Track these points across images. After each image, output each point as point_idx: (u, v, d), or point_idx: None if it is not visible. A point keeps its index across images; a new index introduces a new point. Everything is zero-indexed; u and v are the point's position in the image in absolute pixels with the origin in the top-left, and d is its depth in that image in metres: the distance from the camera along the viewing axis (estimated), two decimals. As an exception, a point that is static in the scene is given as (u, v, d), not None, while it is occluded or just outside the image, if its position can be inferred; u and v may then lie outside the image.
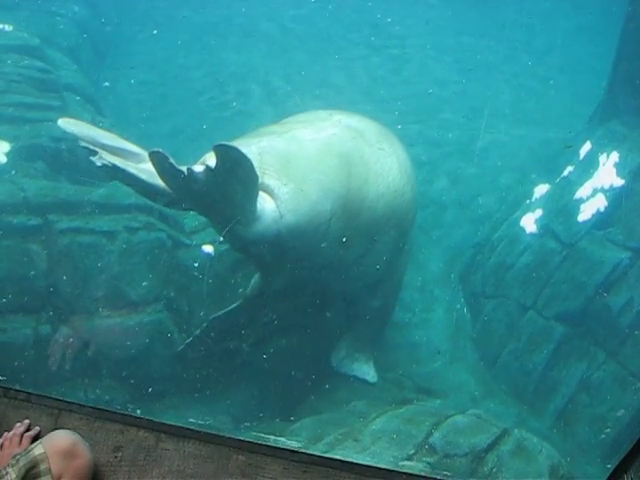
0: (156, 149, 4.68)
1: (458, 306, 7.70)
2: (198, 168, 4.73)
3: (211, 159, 4.73)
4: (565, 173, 7.68)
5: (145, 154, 5.07)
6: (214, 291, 6.62)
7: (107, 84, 11.17)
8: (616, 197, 6.97)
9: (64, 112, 8.42)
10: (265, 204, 4.97)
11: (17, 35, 9.18)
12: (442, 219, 8.42)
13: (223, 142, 4.53)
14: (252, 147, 5.07)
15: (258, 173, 4.76)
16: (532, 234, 7.39)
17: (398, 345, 7.26)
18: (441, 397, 6.48)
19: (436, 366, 7.05)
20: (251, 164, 4.61)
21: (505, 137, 9.46)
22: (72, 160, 7.95)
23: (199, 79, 11.31)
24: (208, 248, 6.78)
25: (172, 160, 4.64)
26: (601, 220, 6.96)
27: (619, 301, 6.44)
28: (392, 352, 7.12)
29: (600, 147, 7.45)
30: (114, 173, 5.01)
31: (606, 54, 8.20)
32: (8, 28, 9.25)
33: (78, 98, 9.23)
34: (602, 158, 7.32)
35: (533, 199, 7.77)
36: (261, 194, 4.97)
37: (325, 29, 12.10)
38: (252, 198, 4.86)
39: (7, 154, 7.41)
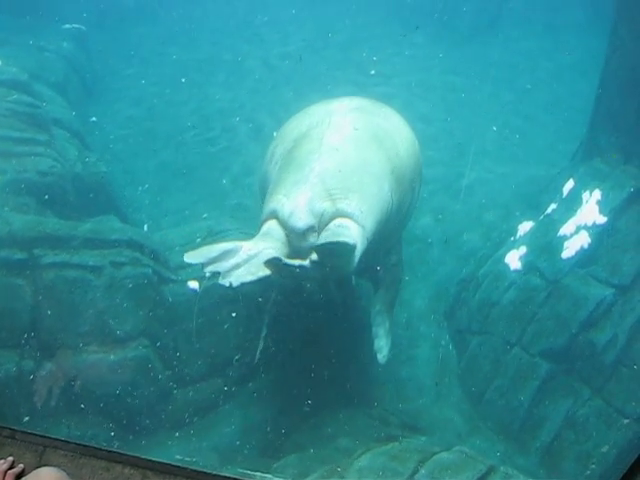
0: (271, 257, 5.11)
1: (443, 342, 7.70)
2: (308, 263, 5.18)
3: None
4: (549, 210, 7.76)
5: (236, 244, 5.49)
6: (200, 327, 6.60)
7: (94, 119, 11.23)
8: (599, 234, 7.04)
9: (51, 147, 8.45)
10: (352, 231, 5.28)
11: (6, 70, 9.21)
12: (427, 256, 8.46)
13: (325, 242, 5.09)
14: (313, 180, 5.47)
15: (329, 203, 5.34)
16: (517, 271, 7.43)
17: (384, 381, 7.23)
18: (427, 434, 6.44)
19: (422, 402, 7.03)
20: (353, 248, 5.14)
21: (490, 174, 9.57)
22: (58, 194, 7.97)
23: (186, 115, 11.39)
24: (194, 284, 6.77)
25: (285, 260, 5.14)
26: (585, 257, 7.02)
27: (603, 338, 6.48)
28: (378, 388, 7.10)
29: (583, 185, 7.54)
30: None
31: (588, 93, 8.36)
32: (-4, 63, 9.31)
33: (65, 133, 9.28)
34: (585, 195, 7.40)
35: (517, 236, 7.83)
36: (345, 222, 5.31)
37: (311, 67, 12.25)
38: (353, 261, 5.32)
39: (-7, 188, 7.40)
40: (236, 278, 5.22)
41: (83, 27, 13.29)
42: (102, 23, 14.10)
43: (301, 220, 5.32)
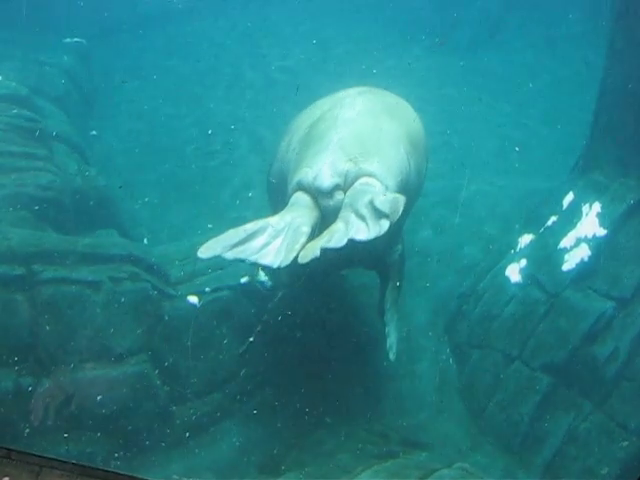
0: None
1: (444, 356, 7.67)
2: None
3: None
4: (549, 223, 7.76)
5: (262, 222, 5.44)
6: (198, 342, 6.57)
7: (94, 133, 11.24)
8: (599, 247, 7.04)
9: (51, 161, 8.45)
10: (377, 189, 5.43)
11: (6, 85, 9.23)
12: (427, 269, 8.43)
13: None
14: (333, 147, 5.66)
15: (351, 164, 5.50)
16: (517, 284, 7.42)
17: (384, 396, 7.20)
18: (427, 450, 6.41)
19: (422, 418, 7.00)
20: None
21: (489, 187, 9.55)
22: (58, 209, 7.96)
23: (186, 128, 11.40)
24: (193, 299, 6.76)
25: (322, 245, 5.07)
26: (585, 270, 7.01)
27: (604, 351, 6.47)
28: (378, 403, 7.06)
29: (582, 197, 7.54)
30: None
31: (587, 105, 8.36)
32: (-3, 78, 9.33)
33: (65, 147, 9.27)
34: (585, 208, 7.40)
35: (517, 249, 7.82)
36: (370, 181, 5.46)
37: (310, 80, 12.25)
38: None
39: (-8, 202, 7.39)
40: (278, 256, 5.14)
41: (84, 41, 13.32)
42: (103, 37, 14.11)
43: (326, 179, 5.46)
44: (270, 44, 14.13)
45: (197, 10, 14.93)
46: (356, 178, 5.47)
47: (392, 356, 6.37)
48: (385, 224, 5.13)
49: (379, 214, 5.17)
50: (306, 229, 5.29)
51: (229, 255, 5.25)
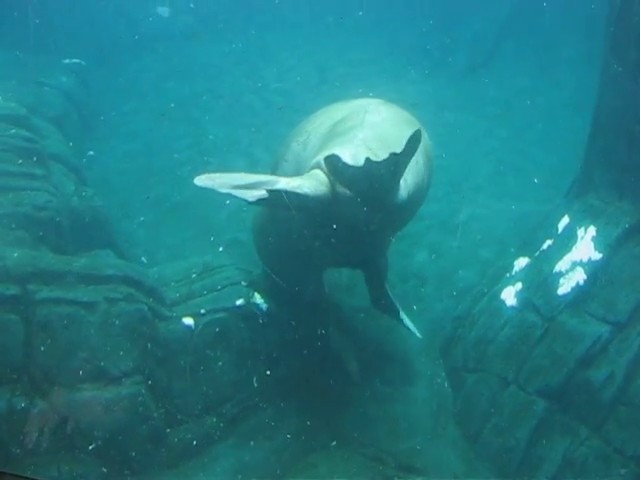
0: (330, 154, 5.34)
1: (439, 380, 7.64)
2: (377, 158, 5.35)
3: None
4: (544, 247, 7.77)
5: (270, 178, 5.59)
6: (193, 364, 6.55)
7: (91, 153, 11.26)
8: (595, 271, 7.04)
9: (48, 181, 8.46)
10: None
11: (5, 105, 9.26)
12: (423, 292, 8.43)
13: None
14: (357, 142, 5.78)
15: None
16: (512, 307, 7.41)
17: (378, 419, 7.16)
18: (422, 474, 6.38)
19: (417, 442, 6.95)
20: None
21: (485, 210, 9.58)
22: (54, 229, 7.95)
23: (182, 150, 11.42)
24: (188, 321, 6.75)
25: (345, 160, 5.32)
26: (580, 294, 7.01)
27: (600, 375, 6.45)
28: (372, 427, 7.03)
29: (578, 221, 7.56)
30: (269, 202, 5.41)
31: (581, 129, 8.41)
32: (-4, 98, 9.37)
33: (62, 167, 9.30)
34: (580, 232, 7.42)
35: (513, 272, 7.83)
36: None
37: (307, 103, 12.32)
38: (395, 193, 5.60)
39: (-11, 221, 7.39)
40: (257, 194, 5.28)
41: (82, 62, 13.41)
42: (101, 58, 14.20)
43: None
44: (267, 67, 14.21)
45: (195, 33, 15.04)
46: None
47: (419, 334, 6.85)
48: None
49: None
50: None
51: (222, 190, 5.34)
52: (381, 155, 5.40)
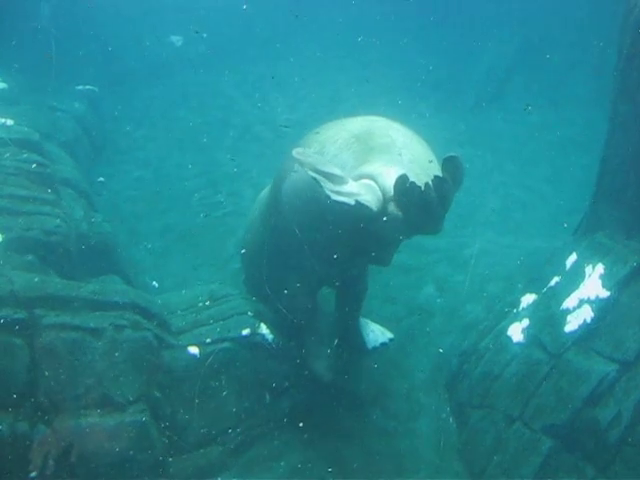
0: (402, 174, 5.34)
1: (444, 415, 7.58)
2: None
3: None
4: (551, 283, 7.74)
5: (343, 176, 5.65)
6: (198, 393, 6.53)
7: (102, 179, 11.36)
8: (602, 309, 7.00)
9: (58, 206, 8.51)
10: None
11: (18, 129, 9.37)
12: (429, 326, 8.41)
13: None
14: (406, 162, 5.82)
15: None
16: (519, 343, 7.37)
17: (382, 454, 7.10)
18: (426, 510, 6.31)
19: (421, 477, 6.88)
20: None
21: (492, 245, 9.59)
22: (63, 254, 7.99)
23: (192, 178, 11.52)
24: (194, 349, 6.74)
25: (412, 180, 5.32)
26: (588, 331, 6.97)
27: (607, 415, 6.38)
28: (376, 461, 6.96)
29: (586, 258, 7.54)
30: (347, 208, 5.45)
31: (590, 166, 8.44)
32: (9, 122, 9.46)
33: (72, 192, 9.36)
34: (588, 269, 7.39)
35: (520, 308, 7.80)
36: None
37: (318, 133, 12.43)
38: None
39: (-2, 245, 7.42)
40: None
41: (95, 88, 13.60)
42: (114, 85, 14.40)
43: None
44: (278, 97, 14.37)
45: (207, 62, 15.23)
46: None
47: (391, 334, 7.30)
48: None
49: None
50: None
51: (311, 173, 5.46)
52: (423, 179, 5.46)
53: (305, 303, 7.15)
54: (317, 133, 6.90)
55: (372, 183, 5.66)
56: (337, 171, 5.64)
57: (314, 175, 5.43)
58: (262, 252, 7.41)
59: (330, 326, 7.60)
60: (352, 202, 5.32)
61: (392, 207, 5.49)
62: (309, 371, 7.08)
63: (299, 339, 7.26)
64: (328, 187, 5.38)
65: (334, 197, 5.33)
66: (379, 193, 5.57)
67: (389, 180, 5.51)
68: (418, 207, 5.37)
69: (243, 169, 11.74)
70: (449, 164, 5.40)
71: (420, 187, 5.27)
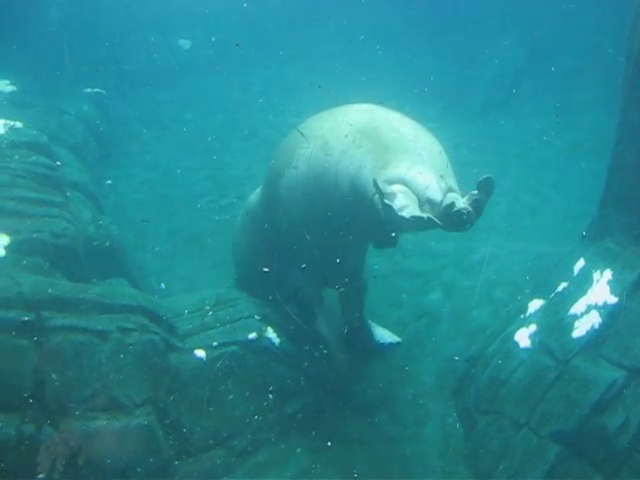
0: (488, 176, 5.52)
1: (451, 420, 7.56)
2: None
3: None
4: (559, 289, 7.72)
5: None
6: (204, 397, 6.53)
7: (109, 182, 11.38)
8: (610, 315, 6.98)
9: (65, 208, 8.53)
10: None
11: (26, 132, 9.37)
12: (436, 331, 8.38)
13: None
14: (427, 161, 5.98)
15: (443, 181, 5.77)
16: (526, 349, 7.34)
17: (389, 459, 7.09)
18: (432, 515, 6.29)
19: (427, 483, 6.87)
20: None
21: (500, 251, 9.56)
22: (70, 256, 8.00)
23: (200, 181, 11.52)
24: (201, 353, 6.75)
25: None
26: (595, 337, 6.94)
27: (615, 422, 6.35)
28: (383, 466, 6.96)
29: (593, 264, 7.52)
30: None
31: (598, 172, 8.41)
32: (18, 125, 9.46)
33: (80, 195, 9.39)
34: (596, 275, 7.37)
35: (527, 314, 7.77)
36: (456, 195, 5.70)
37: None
38: None
39: (6, 248, 7.40)
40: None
41: (104, 92, 13.61)
42: (122, 88, 14.43)
43: (438, 193, 5.57)
44: (286, 101, 14.35)
45: (215, 66, 15.23)
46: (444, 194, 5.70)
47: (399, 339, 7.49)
48: None
49: None
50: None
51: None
52: (447, 180, 5.71)
53: (312, 293, 7.34)
54: (309, 127, 7.08)
55: (407, 190, 5.71)
56: (427, 214, 5.56)
57: (387, 202, 5.47)
58: (256, 253, 7.56)
59: (339, 319, 7.71)
60: (425, 217, 5.39)
61: (430, 214, 5.56)
62: (325, 347, 7.23)
63: (311, 326, 7.39)
64: (398, 206, 5.43)
65: (410, 214, 5.37)
66: (416, 199, 5.66)
67: (423, 188, 5.63)
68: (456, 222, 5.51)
69: (250, 173, 11.73)
70: (484, 184, 5.53)
71: (464, 213, 5.38)
